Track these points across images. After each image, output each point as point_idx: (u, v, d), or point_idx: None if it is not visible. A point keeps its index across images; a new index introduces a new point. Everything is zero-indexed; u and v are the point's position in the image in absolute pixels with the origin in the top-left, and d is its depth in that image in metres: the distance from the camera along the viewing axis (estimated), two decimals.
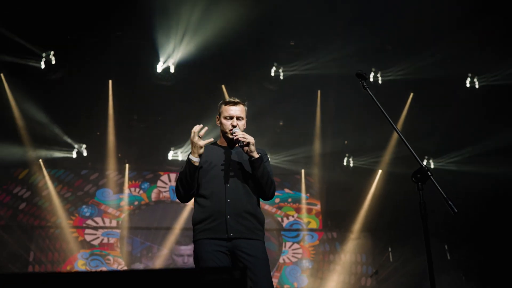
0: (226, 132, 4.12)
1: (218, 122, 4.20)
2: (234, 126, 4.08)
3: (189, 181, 3.91)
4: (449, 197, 3.26)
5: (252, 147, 3.94)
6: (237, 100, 4.20)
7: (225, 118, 4.12)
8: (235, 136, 3.95)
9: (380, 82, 10.48)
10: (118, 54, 9.70)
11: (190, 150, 3.95)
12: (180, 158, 12.11)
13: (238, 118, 4.12)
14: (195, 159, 3.88)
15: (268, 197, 4.14)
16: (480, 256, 10.85)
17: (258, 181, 4.01)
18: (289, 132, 11.97)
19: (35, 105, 10.47)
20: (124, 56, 9.77)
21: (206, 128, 3.91)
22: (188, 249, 11.64)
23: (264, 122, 11.18)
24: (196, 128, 3.93)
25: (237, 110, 4.14)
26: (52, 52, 9.74)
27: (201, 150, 3.88)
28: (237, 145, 4.09)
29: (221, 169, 4.01)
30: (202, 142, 3.88)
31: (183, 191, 3.98)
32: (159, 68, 10.09)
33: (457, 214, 3.20)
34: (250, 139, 3.93)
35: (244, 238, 3.88)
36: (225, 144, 4.19)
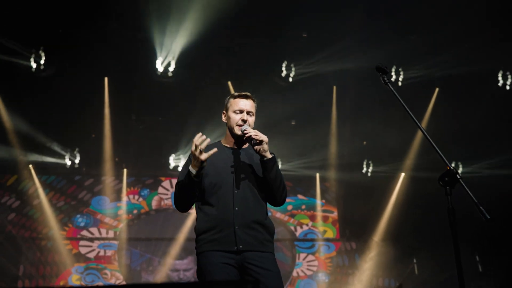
0: (233, 128, 4.06)
1: (224, 117, 4.15)
2: (244, 121, 4.04)
3: (187, 193, 3.90)
4: (481, 202, 3.24)
5: (266, 146, 3.90)
6: (248, 94, 4.17)
7: (235, 112, 4.07)
8: (246, 133, 3.92)
9: (402, 77, 10.44)
10: (114, 50, 9.74)
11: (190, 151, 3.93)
12: (182, 163, 12.14)
13: (248, 113, 4.08)
14: (195, 172, 3.80)
15: (279, 202, 4.10)
16: None
17: (270, 184, 3.98)
18: (302, 133, 11.96)
19: (25, 106, 10.53)
20: (121, 51, 9.81)
21: (208, 140, 3.83)
22: (184, 263, 11.68)
23: (274, 121, 11.15)
24: (197, 140, 3.77)
25: (248, 104, 4.11)
26: (41, 48, 9.80)
27: (204, 164, 3.79)
28: (245, 146, 4.08)
29: (228, 173, 3.97)
30: (204, 156, 3.75)
31: (181, 201, 3.97)
32: (159, 64, 10.13)
33: (489, 221, 3.17)
34: (264, 137, 3.89)
35: (254, 251, 3.86)
36: (230, 144, 4.13)
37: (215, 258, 3.80)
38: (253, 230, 3.90)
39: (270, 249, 3.97)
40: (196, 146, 3.76)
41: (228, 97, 4.19)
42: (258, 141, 3.89)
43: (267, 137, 3.94)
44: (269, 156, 3.94)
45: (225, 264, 3.79)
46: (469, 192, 3.25)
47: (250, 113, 4.10)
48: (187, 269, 11.75)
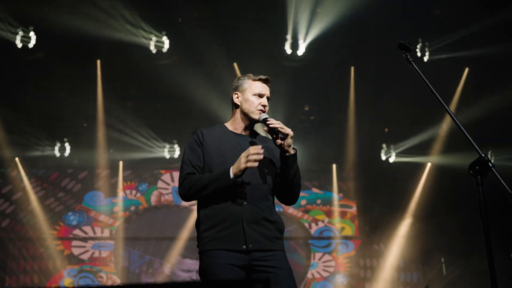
0: (251, 112, 4.05)
1: (237, 99, 4.12)
2: (264, 107, 4.06)
3: (210, 194, 3.85)
4: None
5: (290, 141, 3.90)
6: (268, 77, 4.18)
7: (254, 95, 4.08)
8: (270, 124, 3.89)
9: (427, 55, 10.42)
10: (107, 28, 9.76)
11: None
12: (177, 154, 12.21)
13: (267, 99, 4.13)
14: (235, 178, 3.79)
15: (293, 201, 4.15)
16: None
17: (288, 181, 4.00)
18: (316, 119, 11.96)
19: (9, 91, 10.59)
20: (115, 31, 9.84)
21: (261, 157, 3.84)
22: (195, 263, 11.77)
23: (285, 107, 11.17)
24: (257, 155, 3.77)
25: (268, 89, 4.15)
26: (30, 28, 9.85)
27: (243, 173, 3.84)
28: (261, 133, 4.08)
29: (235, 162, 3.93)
30: (250, 164, 3.75)
31: (193, 197, 3.92)
32: (152, 45, 10.19)
33: None
34: (289, 131, 3.89)
35: (263, 250, 3.87)
36: (239, 130, 4.11)
37: (221, 258, 3.79)
38: (261, 227, 3.91)
39: (281, 247, 3.98)
40: (255, 157, 3.77)
41: (243, 77, 4.19)
42: (284, 135, 3.89)
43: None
44: (292, 152, 3.95)
45: (232, 266, 3.78)
46: (503, 182, 3.25)
47: (268, 99, 4.14)
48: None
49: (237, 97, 4.12)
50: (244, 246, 3.81)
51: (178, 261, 11.98)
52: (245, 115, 4.09)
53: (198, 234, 3.93)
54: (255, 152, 3.76)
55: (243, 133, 4.12)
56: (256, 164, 3.76)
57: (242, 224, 3.84)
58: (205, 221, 3.90)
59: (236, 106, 4.13)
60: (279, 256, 3.91)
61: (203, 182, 3.82)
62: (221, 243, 3.82)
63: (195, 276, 11.76)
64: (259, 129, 4.30)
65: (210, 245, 3.84)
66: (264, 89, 4.12)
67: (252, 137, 4.14)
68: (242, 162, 3.76)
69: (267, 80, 4.16)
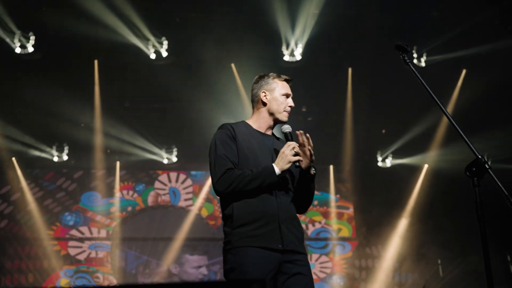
0: (279, 112, 4.10)
1: (265, 97, 4.13)
2: (291, 107, 4.13)
3: (252, 191, 3.84)
4: None
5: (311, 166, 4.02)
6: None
7: (282, 95, 4.13)
8: (294, 149, 3.87)
9: (425, 56, 10.44)
10: (104, 29, 9.77)
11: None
12: (175, 159, 12.24)
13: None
14: (279, 175, 3.84)
15: (305, 211, 4.23)
16: None
17: (308, 194, 4.12)
18: (313, 120, 11.97)
19: (6, 91, 10.59)
20: (112, 32, 9.84)
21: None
22: (202, 259, 11.89)
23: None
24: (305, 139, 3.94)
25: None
26: (29, 30, 9.87)
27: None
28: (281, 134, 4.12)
29: (267, 161, 3.95)
30: (297, 158, 3.84)
31: (232, 193, 3.85)
32: (149, 45, 10.20)
33: None
34: (306, 159, 3.97)
35: (295, 252, 3.88)
36: (263, 129, 4.14)
37: (254, 256, 3.76)
38: (293, 227, 3.93)
39: (305, 251, 4.00)
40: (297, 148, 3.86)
41: (268, 76, 4.21)
42: (300, 167, 3.92)
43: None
44: (313, 172, 4.05)
45: (264, 265, 3.76)
46: (499, 184, 3.27)
47: None
48: (201, 265, 11.94)
49: (265, 96, 4.13)
50: (280, 246, 3.81)
51: (186, 259, 11.98)
52: (271, 114, 4.13)
53: (231, 229, 3.85)
54: (295, 146, 3.86)
55: (267, 133, 4.14)
56: (301, 158, 3.84)
57: (278, 223, 3.85)
58: (240, 217, 3.84)
59: (263, 104, 4.14)
60: (304, 262, 3.91)
61: (246, 179, 3.80)
62: (257, 241, 3.79)
63: (206, 272, 11.81)
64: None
65: (244, 241, 3.79)
66: (290, 89, 4.18)
67: (275, 138, 4.18)
68: (288, 155, 3.82)
69: (291, 81, 4.22)
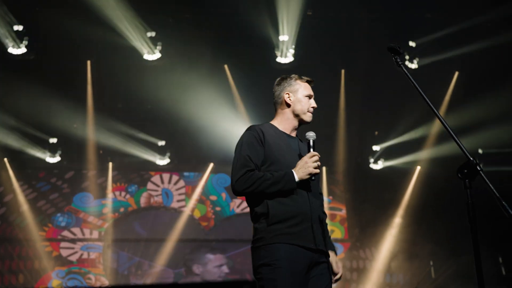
0: (304, 114, 4.14)
1: (289, 98, 4.16)
2: (314, 108, 4.17)
3: (272, 194, 3.87)
4: (503, 197, 3.26)
5: None
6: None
7: (305, 96, 4.17)
8: (315, 160, 3.92)
9: (418, 58, 10.47)
10: (97, 29, 9.76)
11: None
12: (167, 160, 12.25)
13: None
14: (297, 182, 3.87)
15: None
16: None
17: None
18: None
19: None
20: (106, 30, 9.83)
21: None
22: (223, 258, 12.04)
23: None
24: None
25: None
26: (22, 30, 9.86)
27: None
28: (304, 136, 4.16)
29: (294, 164, 3.97)
30: (317, 171, 3.90)
31: (251, 193, 3.88)
32: (142, 46, 10.19)
33: None
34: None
35: (323, 252, 3.92)
36: (288, 131, 4.18)
37: (290, 253, 3.79)
38: (321, 228, 3.98)
39: (327, 253, 4.02)
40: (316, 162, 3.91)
41: (290, 77, 4.24)
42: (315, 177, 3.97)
43: None
44: (313, 179, 4.05)
45: (298, 262, 3.79)
46: (490, 186, 3.28)
47: None
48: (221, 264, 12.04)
49: (289, 97, 4.17)
50: (313, 245, 3.85)
51: (208, 259, 12.05)
52: (296, 115, 4.16)
53: (266, 226, 3.86)
54: (318, 159, 3.91)
55: (292, 134, 4.19)
56: (319, 171, 3.90)
57: (311, 222, 3.89)
58: (275, 215, 3.86)
59: (287, 105, 4.17)
60: (328, 264, 3.97)
61: (267, 182, 3.83)
62: (292, 238, 3.81)
63: (227, 270, 11.92)
64: None
65: (279, 238, 3.81)
66: (311, 90, 4.23)
67: (299, 140, 4.22)
68: (310, 166, 3.87)
69: (312, 82, 4.28)
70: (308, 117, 4.16)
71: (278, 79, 4.28)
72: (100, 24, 9.76)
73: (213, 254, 12.15)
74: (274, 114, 4.25)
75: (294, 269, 3.76)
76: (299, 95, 4.15)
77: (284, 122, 4.18)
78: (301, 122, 4.18)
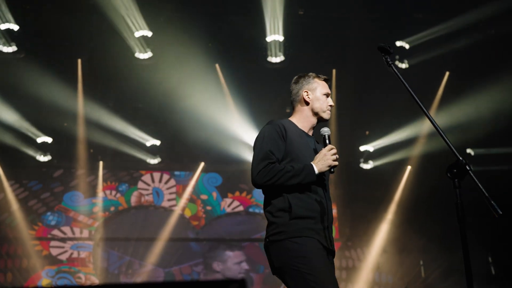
0: (323, 112, 4.18)
1: (307, 96, 4.21)
2: (331, 106, 4.22)
3: (291, 187, 3.89)
4: (492, 196, 3.27)
5: None
6: None
7: (323, 94, 4.22)
8: (334, 156, 3.93)
9: (408, 58, 10.49)
10: (88, 26, 9.73)
11: None
12: (158, 159, 12.22)
13: None
14: (317, 175, 3.89)
15: None
16: None
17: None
18: None
19: None
20: (97, 28, 9.81)
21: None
22: (242, 255, 12.11)
23: (266, 108, 11.21)
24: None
25: None
26: (13, 27, 9.82)
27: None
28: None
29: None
30: (337, 163, 3.92)
31: (271, 186, 3.88)
32: (134, 44, 10.18)
33: (501, 217, 3.22)
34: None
35: (332, 254, 3.98)
36: (306, 129, 4.22)
37: (319, 249, 3.84)
38: (331, 231, 4.02)
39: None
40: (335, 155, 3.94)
41: (308, 76, 4.29)
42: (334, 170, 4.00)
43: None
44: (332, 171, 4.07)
45: (325, 258, 3.85)
46: (480, 185, 3.30)
47: None
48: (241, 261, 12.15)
49: (307, 95, 4.21)
50: (327, 244, 3.92)
51: (227, 256, 12.11)
52: (315, 113, 4.21)
53: (288, 220, 3.87)
54: (336, 152, 3.94)
55: (309, 133, 4.22)
56: (337, 163, 3.93)
57: (327, 222, 3.96)
58: (296, 210, 3.89)
59: (306, 103, 4.21)
60: (333, 266, 4.01)
61: (288, 174, 3.85)
62: (316, 234, 3.86)
63: (247, 266, 12.02)
64: None
65: (306, 232, 3.84)
66: (329, 88, 4.28)
67: (315, 140, 4.24)
68: (329, 159, 3.90)
69: (329, 80, 4.33)
70: (327, 114, 4.21)
71: (295, 77, 4.34)
72: (91, 22, 9.74)
73: (232, 251, 12.20)
74: (292, 112, 4.30)
75: (325, 262, 3.85)
76: (318, 93, 4.21)
77: (302, 120, 4.22)
78: (320, 119, 4.22)
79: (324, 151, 3.92)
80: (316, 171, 3.87)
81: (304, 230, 3.83)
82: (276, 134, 3.99)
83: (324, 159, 3.89)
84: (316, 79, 4.25)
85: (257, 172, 3.87)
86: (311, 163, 3.89)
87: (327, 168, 3.90)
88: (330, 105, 4.21)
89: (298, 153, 3.99)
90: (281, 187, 3.87)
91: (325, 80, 4.29)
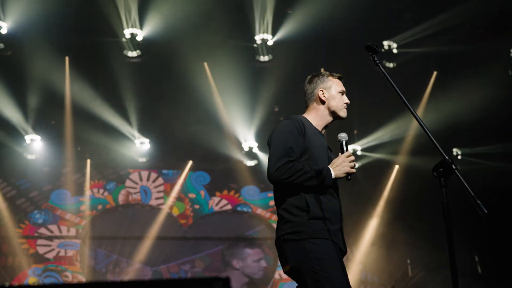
0: (339, 110, 4.19)
1: (323, 95, 4.20)
2: (347, 104, 4.22)
3: (308, 188, 3.87)
4: (478, 196, 3.29)
5: None
6: None
7: (339, 93, 4.22)
8: (351, 163, 3.93)
9: (396, 58, 10.52)
10: (76, 23, 9.69)
11: None
12: (143, 159, 12.18)
13: None
14: (333, 179, 3.90)
15: None
16: None
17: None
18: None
19: None
20: (83, 25, 9.77)
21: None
22: (261, 253, 12.18)
23: (255, 107, 11.21)
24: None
25: None
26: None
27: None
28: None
29: (325, 162, 4.03)
30: (354, 171, 3.91)
31: (290, 183, 3.84)
32: (122, 41, 10.14)
33: (487, 216, 3.23)
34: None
35: (344, 256, 3.96)
36: (320, 128, 4.22)
37: (337, 252, 3.83)
38: (343, 233, 4.02)
39: None
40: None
41: (323, 74, 4.28)
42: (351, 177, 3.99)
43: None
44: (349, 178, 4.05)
45: (341, 261, 3.85)
46: (466, 184, 3.32)
47: None
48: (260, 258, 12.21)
49: (323, 94, 4.20)
50: (342, 247, 3.93)
51: (247, 254, 12.11)
52: (332, 112, 4.22)
53: (306, 219, 3.84)
54: (354, 159, 3.94)
55: (322, 132, 4.22)
56: (355, 170, 3.92)
57: (341, 224, 3.98)
58: (314, 210, 3.86)
59: (322, 102, 4.20)
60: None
61: (307, 175, 3.82)
62: (333, 236, 3.85)
63: (265, 264, 12.09)
64: None
65: (324, 234, 3.83)
66: (343, 86, 4.27)
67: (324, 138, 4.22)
68: (347, 166, 3.90)
69: (343, 78, 4.33)
70: (344, 113, 4.23)
71: (309, 76, 4.33)
72: (79, 19, 9.70)
73: (251, 248, 12.23)
74: (305, 110, 4.28)
75: (342, 264, 3.84)
76: (333, 92, 4.21)
77: (318, 119, 4.21)
78: (337, 118, 4.24)
79: (342, 157, 3.92)
80: (333, 176, 3.87)
81: (322, 232, 3.81)
82: (296, 130, 3.96)
83: (342, 165, 3.89)
84: (330, 77, 4.25)
85: (276, 168, 3.83)
86: (329, 167, 3.89)
87: (344, 175, 3.90)
88: (346, 103, 4.21)
89: (315, 151, 3.98)
90: (298, 186, 3.85)
91: (339, 78, 4.27)
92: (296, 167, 3.81)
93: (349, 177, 3.92)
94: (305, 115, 4.23)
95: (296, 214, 3.86)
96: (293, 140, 3.92)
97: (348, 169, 3.88)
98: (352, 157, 3.93)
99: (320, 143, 4.08)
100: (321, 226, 3.82)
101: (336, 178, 3.90)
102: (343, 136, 4.04)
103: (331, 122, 4.25)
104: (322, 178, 3.85)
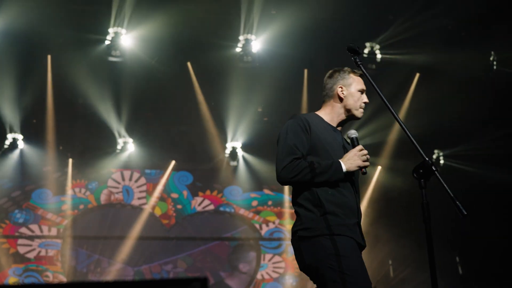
0: (355, 109, 4.11)
1: (342, 92, 4.13)
2: (365, 103, 4.14)
3: (318, 184, 3.82)
4: (458, 197, 3.32)
5: None
6: None
7: (358, 91, 4.14)
8: (364, 157, 3.89)
9: (378, 60, 10.56)
10: (58, 22, 9.64)
11: None
12: (129, 157, 12.17)
13: None
14: (345, 173, 3.84)
15: None
16: (501, 271, 11.00)
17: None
18: (269, 121, 12.01)
19: None
20: (67, 23, 9.72)
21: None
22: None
23: (238, 108, 11.21)
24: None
25: None
26: None
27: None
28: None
29: (340, 156, 3.95)
30: (367, 164, 3.87)
31: (297, 182, 3.83)
32: (104, 40, 10.10)
33: (466, 217, 3.26)
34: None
35: (362, 250, 3.93)
36: (334, 124, 4.14)
37: (353, 246, 3.80)
38: (360, 226, 3.97)
39: None
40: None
41: (343, 70, 4.20)
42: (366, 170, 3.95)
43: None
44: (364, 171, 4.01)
45: (360, 256, 3.83)
46: (445, 186, 3.34)
47: None
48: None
49: (342, 91, 4.13)
50: (361, 241, 3.89)
51: (251, 257, 12.31)
52: (347, 110, 4.14)
53: (319, 215, 3.80)
54: (366, 153, 3.89)
55: (337, 128, 4.15)
56: (368, 164, 3.86)
57: (358, 218, 3.91)
58: (327, 205, 3.82)
59: (340, 100, 4.13)
60: None
61: (315, 171, 3.78)
62: (350, 231, 3.81)
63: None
64: None
65: (340, 229, 3.78)
66: (364, 84, 4.17)
67: (341, 134, 4.18)
68: (360, 159, 3.85)
69: (364, 76, 4.16)
70: (360, 113, 4.15)
71: (330, 71, 4.25)
72: (62, 18, 9.65)
73: (255, 252, 12.29)
74: (321, 105, 4.23)
75: (360, 259, 3.81)
76: (353, 89, 4.13)
77: (331, 115, 4.15)
78: (351, 117, 4.17)
79: (354, 150, 3.89)
80: (344, 169, 3.82)
81: (338, 227, 3.77)
82: (299, 128, 3.92)
83: (354, 159, 3.85)
84: (351, 74, 4.17)
85: (282, 167, 3.82)
86: (339, 160, 3.85)
87: (356, 168, 3.85)
88: (365, 102, 4.14)
89: (324, 145, 3.93)
90: (308, 183, 3.81)
91: (360, 76, 4.19)
92: (302, 164, 3.79)
93: (364, 171, 3.89)
94: (318, 111, 4.20)
95: (309, 209, 3.83)
96: (297, 137, 3.89)
97: (360, 162, 3.85)
98: (365, 151, 3.89)
99: (333, 139, 4.02)
100: (336, 221, 3.77)
101: (349, 172, 3.84)
102: (352, 133, 4.02)
103: (346, 121, 4.18)
104: (332, 172, 3.80)
